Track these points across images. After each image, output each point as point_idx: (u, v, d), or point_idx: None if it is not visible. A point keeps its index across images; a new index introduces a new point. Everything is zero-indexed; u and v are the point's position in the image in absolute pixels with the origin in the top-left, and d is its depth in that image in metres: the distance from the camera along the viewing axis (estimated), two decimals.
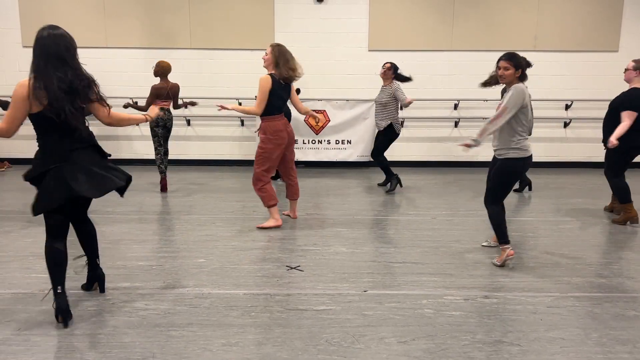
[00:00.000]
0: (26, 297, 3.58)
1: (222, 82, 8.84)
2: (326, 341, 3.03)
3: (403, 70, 7.04)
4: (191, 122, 9.03)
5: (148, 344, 2.98)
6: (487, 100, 8.69)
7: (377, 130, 7.23)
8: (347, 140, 9.00)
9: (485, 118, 8.76)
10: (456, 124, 9.14)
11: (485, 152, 9.01)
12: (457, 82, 9.01)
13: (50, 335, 3.06)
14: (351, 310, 3.42)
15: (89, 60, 8.49)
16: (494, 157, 4.39)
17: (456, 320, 3.30)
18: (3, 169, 8.69)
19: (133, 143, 9.07)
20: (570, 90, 9.09)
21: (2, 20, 8.70)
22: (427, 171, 8.76)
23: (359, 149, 8.99)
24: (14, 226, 5.29)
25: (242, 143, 9.07)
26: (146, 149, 8.77)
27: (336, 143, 9.03)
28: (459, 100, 9.01)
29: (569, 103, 9.15)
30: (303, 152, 8.98)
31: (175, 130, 8.80)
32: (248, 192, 6.96)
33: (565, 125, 9.27)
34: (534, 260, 4.40)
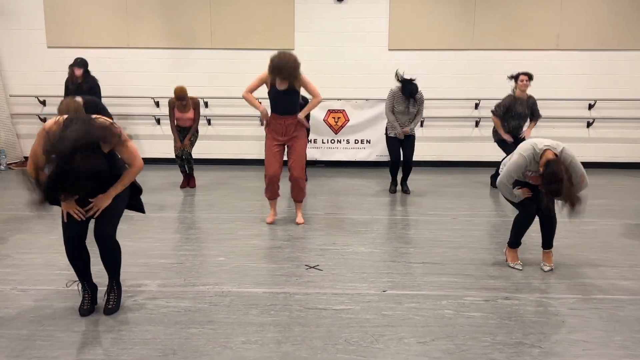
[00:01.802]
0: (50, 294, 3.65)
1: (242, 82, 8.84)
2: (345, 341, 3.03)
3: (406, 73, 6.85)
4: (212, 122, 9.09)
5: (169, 340, 3.01)
6: None
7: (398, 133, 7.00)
8: (367, 140, 8.99)
9: None
10: (477, 124, 9.07)
11: (502, 153, 8.93)
12: (478, 81, 8.94)
13: (73, 331, 3.11)
14: (370, 310, 3.42)
15: (112, 60, 8.66)
16: None
17: (476, 322, 3.28)
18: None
19: (154, 142, 9.16)
20: (593, 90, 8.96)
21: (27, 21, 8.86)
22: (447, 171, 8.70)
23: (378, 149, 8.97)
24: (38, 223, 5.39)
25: (262, 142, 9.10)
26: (165, 148, 8.87)
27: (355, 142, 9.02)
28: (479, 100, 8.94)
29: (592, 103, 9.02)
30: (322, 152, 8.99)
31: None
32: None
33: (588, 125, 9.13)
34: (556, 261, 4.34)
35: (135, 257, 4.35)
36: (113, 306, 3.39)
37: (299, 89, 5.24)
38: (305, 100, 6.44)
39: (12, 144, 8.97)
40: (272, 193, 5.42)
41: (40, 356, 2.83)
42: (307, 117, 6.29)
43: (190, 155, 7.18)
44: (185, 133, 7.15)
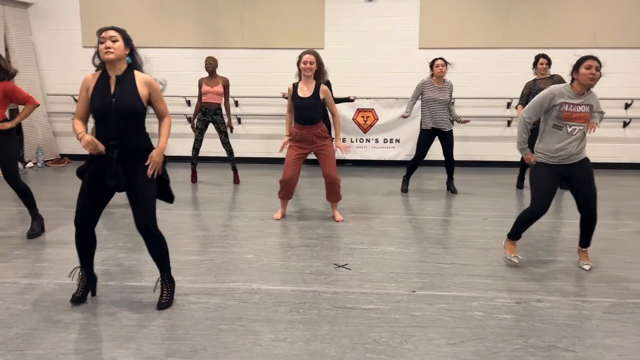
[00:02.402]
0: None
1: (272, 81, 8.94)
2: (374, 340, 3.02)
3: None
4: (242, 121, 9.17)
5: (199, 336, 3.05)
6: None
7: (429, 130, 6.80)
8: (396, 139, 8.93)
9: None
10: (509, 123, 8.93)
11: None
12: (510, 80, 8.79)
13: (107, 325, 3.18)
14: (399, 310, 3.40)
15: (148, 60, 8.78)
16: (569, 165, 3.99)
17: (508, 324, 3.23)
18: (63, 165, 9.07)
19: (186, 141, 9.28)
20: (630, 89, 8.72)
21: (63, 21, 9.07)
22: (478, 171, 8.59)
23: (407, 148, 8.90)
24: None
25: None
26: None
27: (384, 142, 8.98)
28: (512, 99, 8.80)
29: (629, 102, 8.78)
30: (351, 151, 8.97)
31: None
32: (297, 190, 7.02)
33: (625, 125, 8.90)
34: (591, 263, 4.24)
35: None
36: (166, 301, 3.44)
37: (322, 98, 5.24)
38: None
39: (48, 142, 9.21)
40: (285, 195, 5.54)
41: (75, 349, 2.90)
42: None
43: (231, 149, 7.31)
44: (210, 114, 7.16)
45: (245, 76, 8.91)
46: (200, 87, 7.17)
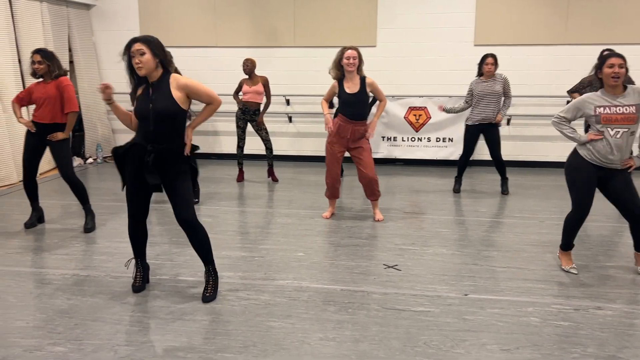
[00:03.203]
0: None
1: (324, 79, 8.89)
2: (424, 343, 2.97)
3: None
4: (292, 119, 9.22)
5: (249, 332, 3.08)
6: None
7: (480, 126, 6.59)
8: (449, 138, 8.76)
9: None
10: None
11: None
12: (570, 77, 8.43)
13: (160, 318, 3.26)
14: (451, 314, 3.33)
15: (202, 59, 8.99)
16: (609, 170, 3.83)
17: (565, 331, 3.11)
18: None
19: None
20: None
21: (123, 22, 9.36)
22: (535, 171, 8.32)
23: (460, 148, 8.68)
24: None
25: None
26: (247, 145, 9.10)
27: (437, 141, 8.82)
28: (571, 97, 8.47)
29: None
30: (402, 150, 8.86)
31: (277, 127, 9.07)
32: (347, 189, 7.00)
33: None
34: None
35: (218, 249, 4.48)
36: (211, 294, 3.53)
37: (369, 92, 5.20)
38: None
39: (107, 139, 9.54)
40: (332, 194, 5.60)
41: (130, 340, 2.99)
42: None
43: (272, 146, 7.38)
44: (250, 113, 7.25)
45: (297, 75, 8.94)
46: (240, 87, 7.30)
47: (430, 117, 8.72)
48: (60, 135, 4.94)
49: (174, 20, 9.12)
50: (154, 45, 3.26)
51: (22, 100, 5.00)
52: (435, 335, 3.06)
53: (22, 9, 7.61)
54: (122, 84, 9.90)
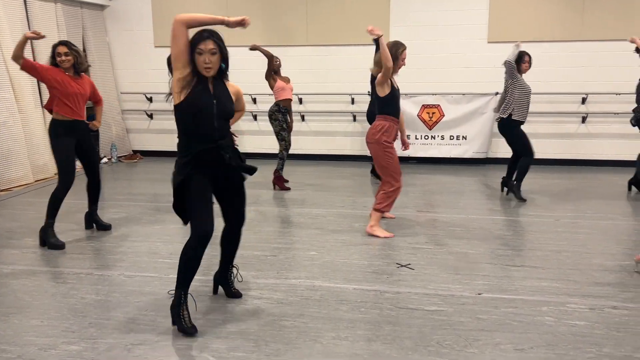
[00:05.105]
0: (153, 280, 3.86)
1: (336, 77, 8.92)
2: (437, 343, 2.95)
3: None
4: (305, 118, 9.21)
5: (262, 331, 3.09)
6: (619, 94, 7.99)
7: (510, 123, 6.29)
8: (462, 136, 8.70)
9: (617, 113, 8.11)
10: (583, 120, 8.50)
11: (612, 151, 8.31)
12: (586, 74, 8.35)
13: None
14: (464, 313, 3.30)
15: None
16: None
17: (580, 331, 3.07)
18: (135, 160, 9.44)
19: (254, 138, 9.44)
20: None
21: (137, 22, 9.42)
22: (550, 169, 8.23)
23: (475, 146, 8.66)
24: (144, 213, 5.72)
25: (355, 139, 9.09)
26: (263, 143, 9.12)
27: (450, 139, 8.77)
28: (587, 94, 8.36)
29: None
30: (415, 148, 8.81)
31: None
32: (359, 188, 6.98)
33: None
34: None
35: None
36: (236, 290, 3.60)
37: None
38: None
39: (122, 138, 9.61)
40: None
41: (144, 339, 3.00)
42: None
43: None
44: (286, 113, 6.82)
45: (309, 73, 8.93)
46: (272, 85, 6.84)
47: (443, 115, 8.67)
48: (97, 125, 4.93)
49: None
50: (223, 45, 3.06)
51: (33, 66, 4.57)
52: (448, 335, 3.03)
53: (37, 9, 7.69)
54: (136, 83, 9.97)
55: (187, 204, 3.05)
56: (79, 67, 4.70)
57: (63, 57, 4.59)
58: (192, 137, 3.05)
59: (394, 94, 4.78)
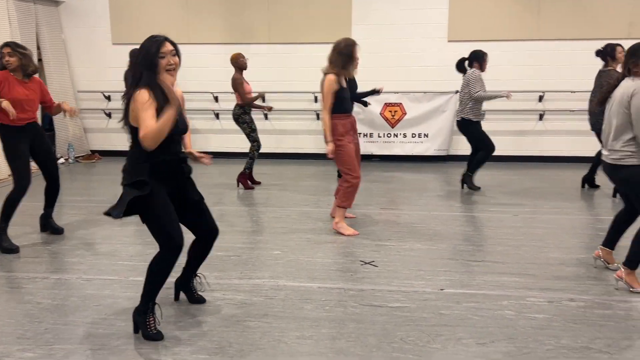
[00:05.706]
0: (112, 283, 3.77)
1: (299, 76, 8.90)
2: (401, 339, 2.97)
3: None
4: (268, 116, 9.16)
5: (225, 333, 3.05)
6: (574, 92, 8.22)
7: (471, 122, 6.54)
8: (424, 134, 8.81)
9: (573, 110, 8.35)
10: (541, 117, 8.72)
11: (568, 148, 8.55)
12: (542, 72, 8.57)
13: (132, 321, 3.19)
14: (427, 309, 3.34)
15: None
16: None
17: (539, 324, 3.14)
18: (94, 161, 9.21)
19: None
20: None
21: (93, 19, 9.18)
22: (508, 166, 8.41)
23: (436, 143, 8.78)
24: (103, 215, 5.56)
25: (318, 137, 9.08)
26: (224, 143, 9.03)
27: (412, 136, 8.87)
28: (544, 92, 8.59)
29: None
30: (378, 146, 8.88)
31: None
32: (323, 186, 6.99)
33: None
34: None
35: None
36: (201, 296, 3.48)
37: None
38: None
39: (79, 138, 9.36)
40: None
41: (103, 344, 2.93)
42: None
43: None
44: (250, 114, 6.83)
45: (272, 72, 8.89)
46: (242, 84, 6.68)
47: (405, 113, 8.76)
48: (74, 109, 4.81)
49: (145, 16, 8.98)
50: (177, 47, 3.04)
51: None
52: (411, 331, 3.06)
53: None
54: (93, 81, 9.73)
55: (152, 217, 2.94)
56: (26, 68, 4.53)
57: (7, 58, 4.43)
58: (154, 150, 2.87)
59: (342, 95, 4.78)
